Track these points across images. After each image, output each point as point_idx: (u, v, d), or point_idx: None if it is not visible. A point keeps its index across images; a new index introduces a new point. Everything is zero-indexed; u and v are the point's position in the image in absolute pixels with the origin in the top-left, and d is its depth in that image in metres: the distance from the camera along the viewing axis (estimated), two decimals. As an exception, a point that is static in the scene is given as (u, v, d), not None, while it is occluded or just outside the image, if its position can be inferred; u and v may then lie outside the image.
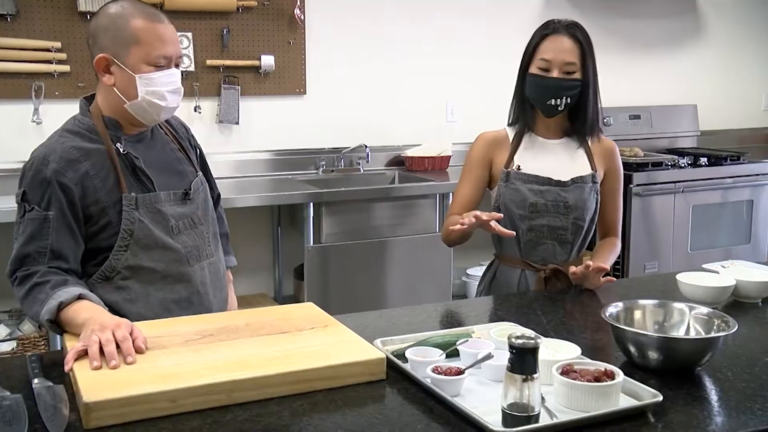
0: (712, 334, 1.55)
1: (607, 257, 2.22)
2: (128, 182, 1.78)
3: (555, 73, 2.12)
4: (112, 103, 1.79)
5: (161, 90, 1.76)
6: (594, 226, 2.26)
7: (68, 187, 1.71)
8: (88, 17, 3.45)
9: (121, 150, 1.79)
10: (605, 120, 2.35)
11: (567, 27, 2.14)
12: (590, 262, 2.04)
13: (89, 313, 1.56)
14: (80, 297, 1.62)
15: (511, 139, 2.25)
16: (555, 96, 2.13)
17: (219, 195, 2.15)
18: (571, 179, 2.18)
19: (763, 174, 4.66)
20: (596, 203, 2.22)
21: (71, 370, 1.41)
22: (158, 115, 1.81)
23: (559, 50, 2.12)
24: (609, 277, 2.09)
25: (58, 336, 1.67)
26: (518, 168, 2.20)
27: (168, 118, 1.91)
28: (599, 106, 2.21)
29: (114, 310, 1.70)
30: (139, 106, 1.77)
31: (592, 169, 2.22)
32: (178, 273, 1.82)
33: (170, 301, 1.81)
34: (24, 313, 1.72)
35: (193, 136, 2.06)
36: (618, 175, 2.29)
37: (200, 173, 1.96)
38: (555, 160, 2.21)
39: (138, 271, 1.78)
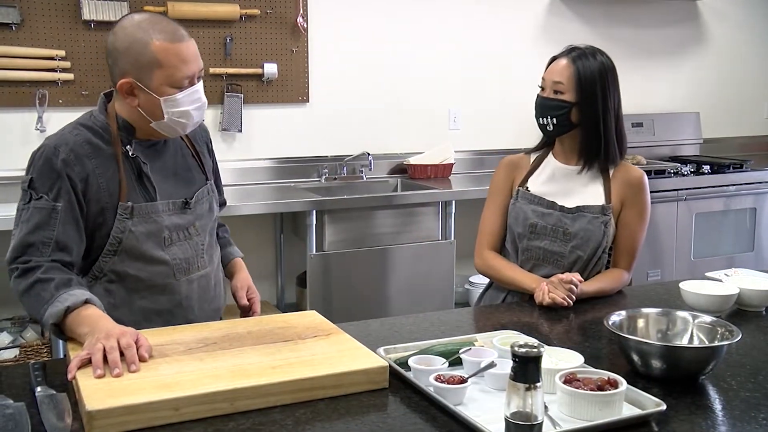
0: (716, 343, 1.55)
1: (598, 282, 2.10)
2: (130, 187, 1.77)
3: (546, 93, 2.15)
4: (131, 112, 1.77)
5: (187, 109, 1.76)
6: (600, 260, 2.16)
7: (74, 181, 1.70)
8: (92, 26, 3.46)
9: (130, 153, 1.78)
10: None
11: (571, 50, 2.15)
12: (564, 276, 2.00)
13: (94, 321, 1.55)
14: (86, 302, 1.60)
15: (531, 161, 2.26)
16: (542, 115, 2.16)
17: (225, 202, 2.15)
18: (576, 207, 2.14)
19: (765, 182, 4.65)
20: (604, 236, 2.12)
21: (74, 378, 1.41)
22: (184, 130, 1.81)
23: (552, 71, 2.15)
24: (565, 300, 1.97)
25: (61, 343, 1.67)
26: (527, 189, 2.21)
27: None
28: (611, 136, 2.12)
29: None
30: (166, 125, 1.77)
31: (606, 200, 2.15)
32: (163, 285, 1.81)
33: (152, 311, 1.80)
34: (26, 312, 1.67)
35: (211, 140, 2.05)
36: (638, 209, 2.17)
37: (210, 181, 1.95)
38: (565, 186, 2.18)
39: (124, 278, 1.77)
